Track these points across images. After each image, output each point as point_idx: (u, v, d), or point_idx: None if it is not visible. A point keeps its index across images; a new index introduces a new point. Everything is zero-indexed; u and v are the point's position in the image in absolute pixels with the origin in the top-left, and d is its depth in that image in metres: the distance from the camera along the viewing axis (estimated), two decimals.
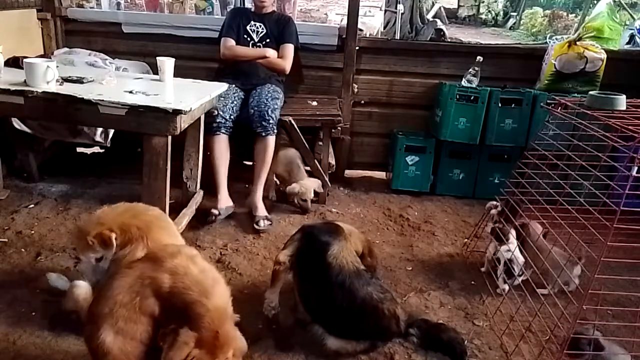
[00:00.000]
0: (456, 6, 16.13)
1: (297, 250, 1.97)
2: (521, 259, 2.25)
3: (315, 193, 3.08)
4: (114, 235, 1.70)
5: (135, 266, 1.51)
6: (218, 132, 2.83)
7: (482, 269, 2.50)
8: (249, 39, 3.16)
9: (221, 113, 2.80)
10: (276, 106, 2.90)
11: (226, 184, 2.91)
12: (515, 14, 15.70)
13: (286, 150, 3.10)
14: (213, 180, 2.89)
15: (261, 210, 2.87)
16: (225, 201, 2.89)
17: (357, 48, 3.40)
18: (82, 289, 1.82)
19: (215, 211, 2.79)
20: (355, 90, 3.51)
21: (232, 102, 2.91)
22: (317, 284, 1.86)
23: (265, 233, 2.77)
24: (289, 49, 3.17)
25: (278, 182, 3.24)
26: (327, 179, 3.13)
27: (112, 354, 1.40)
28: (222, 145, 2.86)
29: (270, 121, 2.82)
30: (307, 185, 3.01)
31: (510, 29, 15.19)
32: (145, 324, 1.44)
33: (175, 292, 1.44)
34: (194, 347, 1.38)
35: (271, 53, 3.13)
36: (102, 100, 2.09)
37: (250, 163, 3.10)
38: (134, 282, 1.45)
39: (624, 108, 2.10)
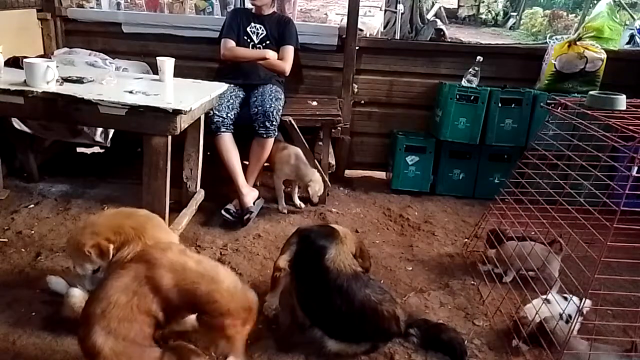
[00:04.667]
0: (456, 6, 16.13)
1: (295, 255, 1.96)
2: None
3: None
4: (112, 247, 1.70)
5: (129, 267, 1.51)
6: (219, 132, 2.83)
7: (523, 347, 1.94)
8: (248, 40, 3.16)
9: (217, 112, 2.80)
10: (280, 107, 2.91)
11: (244, 177, 2.91)
12: (515, 14, 15.70)
13: (288, 150, 3.05)
14: (231, 180, 2.89)
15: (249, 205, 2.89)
16: (251, 196, 2.90)
17: (357, 48, 3.40)
18: (77, 298, 1.82)
19: (250, 211, 2.83)
20: (355, 90, 3.51)
21: (229, 101, 2.90)
22: (315, 288, 1.86)
23: (266, 233, 2.77)
24: (289, 50, 3.17)
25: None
26: (327, 179, 3.13)
27: (103, 354, 1.40)
28: (227, 144, 2.86)
29: (274, 122, 2.83)
30: (320, 181, 3.04)
31: (510, 29, 15.19)
32: (141, 323, 1.45)
33: (182, 288, 1.48)
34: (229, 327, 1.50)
35: (271, 54, 3.13)
36: (102, 100, 2.10)
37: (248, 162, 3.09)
38: (130, 282, 1.46)
39: (624, 108, 2.10)
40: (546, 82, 3.32)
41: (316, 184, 3.01)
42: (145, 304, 1.45)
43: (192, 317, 1.80)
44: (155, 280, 1.46)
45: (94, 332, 1.40)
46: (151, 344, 1.48)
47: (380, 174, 3.78)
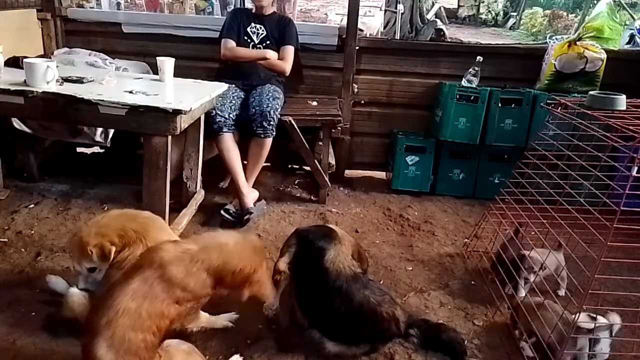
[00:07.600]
0: (456, 6, 16.13)
1: (294, 256, 1.96)
2: None
3: None
4: (114, 249, 1.70)
5: (134, 272, 1.47)
6: (221, 132, 2.83)
7: None
8: (249, 40, 3.16)
9: (219, 112, 2.80)
10: (277, 106, 2.90)
11: (244, 178, 2.91)
12: (515, 14, 15.70)
13: None
14: (231, 180, 2.92)
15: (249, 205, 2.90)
16: (251, 197, 2.91)
17: (357, 48, 3.40)
18: (76, 297, 1.81)
19: (250, 211, 2.84)
20: (355, 90, 3.51)
21: (231, 102, 2.90)
22: (315, 289, 1.85)
23: (265, 233, 2.77)
24: (289, 50, 3.17)
25: None
26: (327, 179, 3.13)
27: None
28: (228, 144, 2.86)
29: (271, 122, 2.82)
30: None
31: (510, 29, 15.19)
32: (147, 331, 1.41)
33: (194, 273, 1.51)
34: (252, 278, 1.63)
35: (271, 54, 3.13)
36: (102, 100, 2.10)
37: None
38: (139, 286, 1.42)
39: (624, 108, 2.10)
40: (546, 82, 3.32)
41: None
42: (157, 307, 1.42)
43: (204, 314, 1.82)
44: (166, 276, 1.45)
45: (96, 343, 1.36)
46: (152, 356, 1.44)
47: (380, 174, 3.78)
